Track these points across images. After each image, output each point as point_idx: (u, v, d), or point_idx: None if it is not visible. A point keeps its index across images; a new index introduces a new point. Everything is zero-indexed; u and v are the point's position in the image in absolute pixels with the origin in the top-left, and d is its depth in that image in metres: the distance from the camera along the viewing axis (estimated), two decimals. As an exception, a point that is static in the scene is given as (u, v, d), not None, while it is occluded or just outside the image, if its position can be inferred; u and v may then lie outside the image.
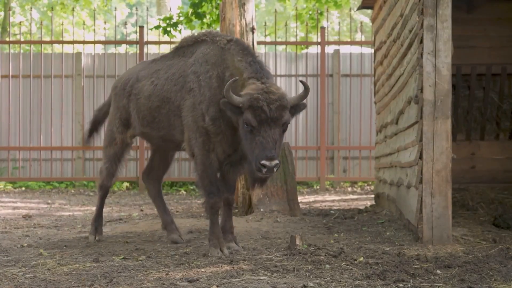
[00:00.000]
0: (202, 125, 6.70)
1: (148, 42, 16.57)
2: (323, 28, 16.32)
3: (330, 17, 27.41)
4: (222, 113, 6.56)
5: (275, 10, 17.72)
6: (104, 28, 17.27)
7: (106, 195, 8.23)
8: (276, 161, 6.04)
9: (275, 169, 6.08)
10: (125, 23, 18.14)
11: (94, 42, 16.83)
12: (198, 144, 6.78)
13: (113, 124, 7.94)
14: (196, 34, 7.41)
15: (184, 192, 15.64)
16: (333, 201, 13.07)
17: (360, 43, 17.11)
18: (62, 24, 17.22)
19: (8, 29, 17.47)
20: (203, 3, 16.57)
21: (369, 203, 12.16)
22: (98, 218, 8.03)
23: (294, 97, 6.43)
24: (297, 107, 6.45)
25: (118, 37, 25.86)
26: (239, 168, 6.99)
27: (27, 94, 16.14)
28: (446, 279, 5.61)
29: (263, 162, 6.01)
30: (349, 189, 16.30)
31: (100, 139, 16.19)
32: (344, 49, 17.23)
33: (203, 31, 7.65)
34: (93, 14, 18.64)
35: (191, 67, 6.96)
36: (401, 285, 5.40)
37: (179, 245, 7.47)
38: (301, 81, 6.48)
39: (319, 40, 16.36)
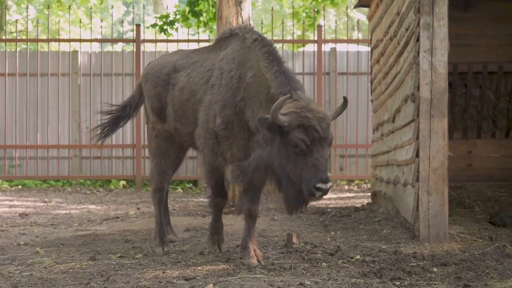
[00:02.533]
0: (212, 127, 6.35)
1: (145, 40, 16.56)
2: (320, 26, 16.32)
3: (327, 15, 27.41)
4: (238, 116, 6.22)
5: (272, 8, 17.75)
6: (101, 26, 17.21)
7: (163, 200, 7.45)
8: (330, 183, 5.63)
9: (328, 192, 5.71)
10: (122, 21, 18.16)
11: (91, 40, 16.83)
12: (208, 146, 6.46)
13: (149, 116, 7.45)
14: (234, 26, 7.00)
15: (181, 191, 15.63)
16: (330, 199, 13.08)
17: (357, 41, 17.11)
18: (59, 22, 17.18)
19: (4, 27, 17.44)
20: (200, 2, 16.59)
21: (365, 201, 12.16)
22: (160, 228, 7.18)
23: (332, 113, 6.02)
24: None
25: (115, 35, 25.78)
26: (246, 178, 6.18)
27: (24, 93, 16.11)
28: (442, 277, 5.62)
29: (319, 185, 5.53)
30: (346, 187, 16.31)
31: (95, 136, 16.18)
32: (341, 47, 17.24)
33: (240, 24, 7.21)
34: (90, 12, 18.63)
35: (220, 62, 6.56)
36: (397, 283, 5.40)
37: (176, 243, 7.46)
38: (344, 98, 6.00)
39: (316, 38, 16.36)
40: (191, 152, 7.94)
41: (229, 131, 6.27)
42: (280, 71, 6.04)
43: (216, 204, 6.77)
